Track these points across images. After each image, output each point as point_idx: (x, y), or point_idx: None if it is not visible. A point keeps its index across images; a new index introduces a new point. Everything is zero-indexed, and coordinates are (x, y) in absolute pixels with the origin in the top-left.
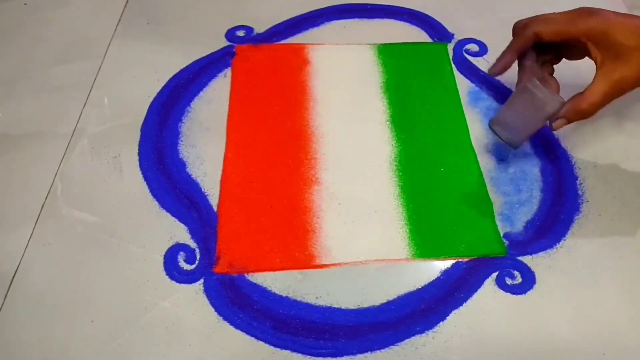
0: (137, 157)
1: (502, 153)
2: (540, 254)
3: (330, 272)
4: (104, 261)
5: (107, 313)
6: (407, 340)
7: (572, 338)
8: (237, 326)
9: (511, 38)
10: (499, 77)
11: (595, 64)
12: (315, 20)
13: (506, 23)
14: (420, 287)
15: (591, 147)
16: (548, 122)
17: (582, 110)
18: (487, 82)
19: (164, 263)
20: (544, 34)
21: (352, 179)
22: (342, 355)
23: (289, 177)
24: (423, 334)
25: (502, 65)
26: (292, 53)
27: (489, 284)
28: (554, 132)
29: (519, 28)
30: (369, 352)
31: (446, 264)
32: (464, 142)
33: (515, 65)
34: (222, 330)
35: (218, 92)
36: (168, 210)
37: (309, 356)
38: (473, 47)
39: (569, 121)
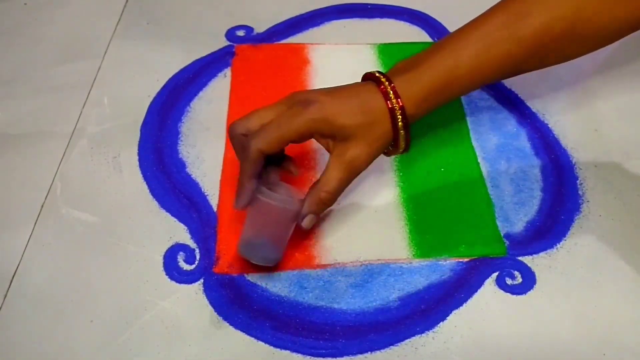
0: (137, 157)
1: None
2: (541, 254)
3: (330, 272)
4: (104, 261)
5: (107, 313)
6: (407, 341)
7: (573, 338)
8: (236, 326)
9: None
10: None
11: (328, 150)
12: (315, 20)
13: None
14: (420, 287)
15: (592, 147)
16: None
17: (322, 201)
18: None
19: (164, 263)
20: (267, 149)
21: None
22: (342, 356)
23: (288, 177)
24: (423, 334)
25: (247, 196)
26: (292, 53)
27: (489, 284)
28: (555, 134)
29: (240, 150)
30: (369, 353)
31: (446, 264)
32: (464, 142)
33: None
34: (222, 330)
35: (218, 92)
36: (168, 210)
37: (309, 356)
38: None
39: (317, 214)
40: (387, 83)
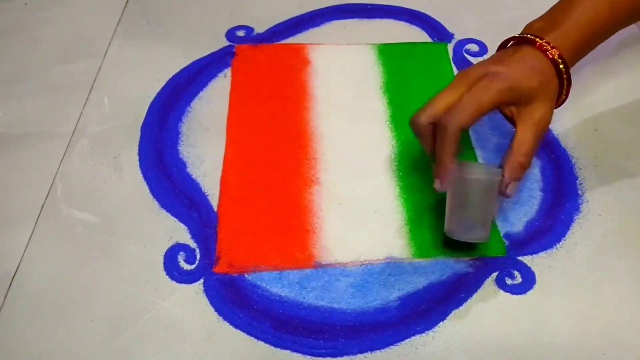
0: (137, 157)
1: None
2: (540, 253)
3: (330, 272)
4: (104, 261)
5: (107, 313)
6: (407, 340)
7: (572, 338)
8: (237, 326)
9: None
10: None
11: (512, 116)
12: (315, 20)
13: (506, 23)
14: (420, 287)
15: (592, 147)
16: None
17: (522, 164)
18: None
19: (164, 263)
20: (468, 123)
21: (352, 179)
22: (342, 355)
23: (289, 177)
24: (423, 334)
25: (449, 177)
26: (292, 53)
27: (489, 284)
28: (555, 134)
29: (429, 135)
30: (369, 352)
31: (446, 264)
32: (464, 141)
33: None
34: (222, 330)
35: (218, 92)
36: (168, 210)
37: (309, 356)
38: (473, 47)
39: (518, 179)
40: (541, 41)
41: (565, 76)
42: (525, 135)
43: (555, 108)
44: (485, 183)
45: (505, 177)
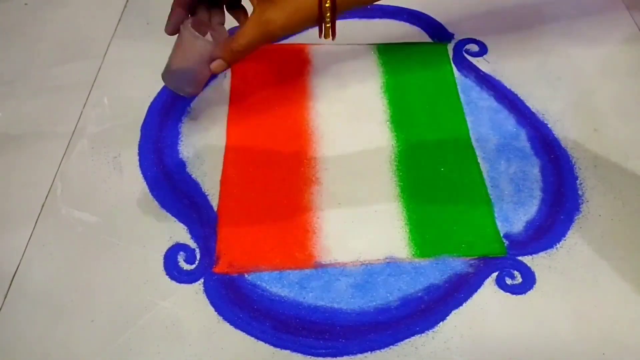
0: (137, 157)
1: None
2: (541, 254)
3: (330, 272)
4: (104, 261)
5: (107, 313)
6: (407, 340)
7: (572, 338)
8: (237, 326)
9: (511, 38)
10: (498, 78)
11: (253, 6)
12: None
13: (506, 23)
14: (420, 287)
15: (592, 148)
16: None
17: (232, 51)
18: (487, 82)
19: (164, 263)
20: None
21: (352, 179)
22: (342, 355)
23: (289, 177)
24: (423, 334)
25: (173, 23)
26: (292, 53)
27: (489, 284)
28: (555, 134)
29: None
30: (369, 352)
31: (446, 263)
32: (464, 141)
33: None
34: (222, 330)
35: (218, 92)
36: (168, 210)
37: (309, 356)
38: (473, 47)
39: (227, 62)
40: None
41: (328, 6)
42: (247, 29)
43: (326, 36)
44: (192, 44)
45: (214, 51)
